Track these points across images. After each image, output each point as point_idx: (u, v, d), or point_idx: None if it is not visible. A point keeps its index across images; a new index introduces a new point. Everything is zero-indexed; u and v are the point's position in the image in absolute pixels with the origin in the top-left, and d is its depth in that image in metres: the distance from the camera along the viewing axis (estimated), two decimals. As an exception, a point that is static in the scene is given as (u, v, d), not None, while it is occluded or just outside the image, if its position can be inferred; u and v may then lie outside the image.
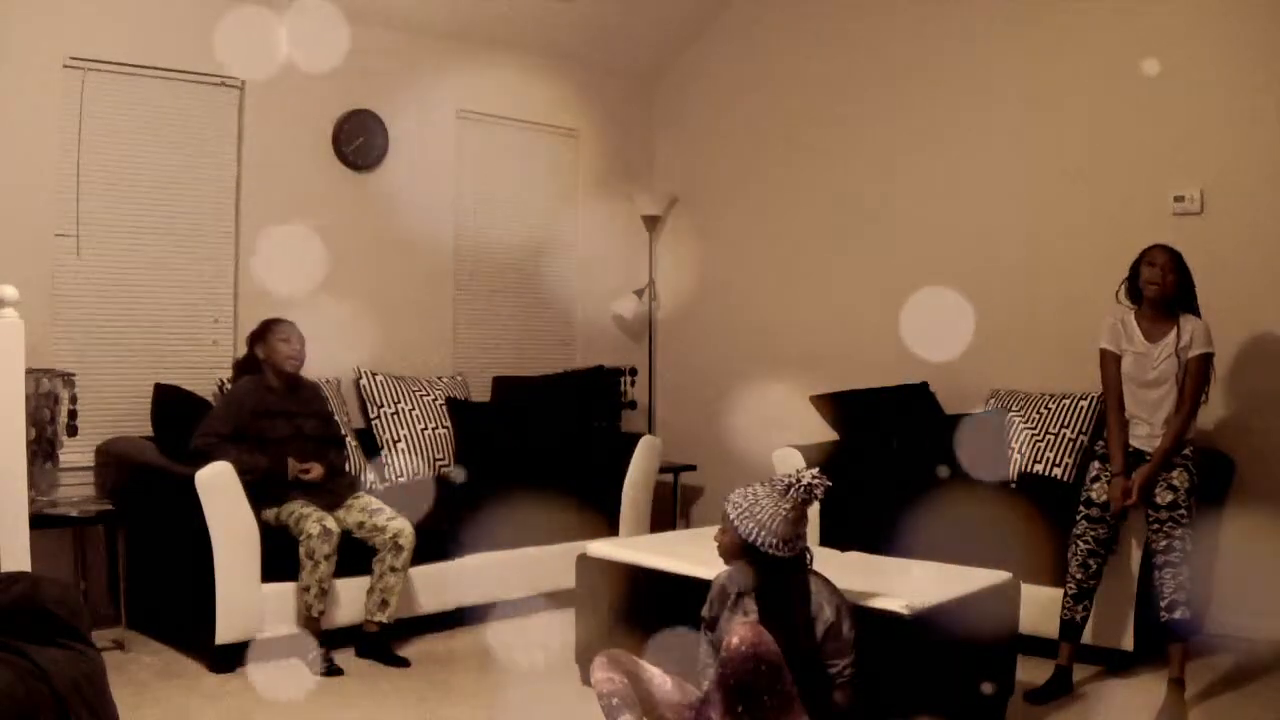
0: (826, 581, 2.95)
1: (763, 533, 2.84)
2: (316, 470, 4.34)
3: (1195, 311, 3.87)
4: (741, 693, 2.68)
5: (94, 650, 2.60)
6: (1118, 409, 3.92)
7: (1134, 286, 3.93)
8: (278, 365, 4.42)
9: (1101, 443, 4.04)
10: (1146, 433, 3.88)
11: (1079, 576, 3.94)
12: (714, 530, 3.03)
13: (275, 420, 4.36)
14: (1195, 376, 3.80)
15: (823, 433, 5.17)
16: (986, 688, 3.45)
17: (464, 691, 3.94)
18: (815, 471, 2.92)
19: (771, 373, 6.17)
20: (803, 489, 2.87)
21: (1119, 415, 3.92)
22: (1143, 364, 3.87)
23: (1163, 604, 3.78)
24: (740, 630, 2.72)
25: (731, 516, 2.90)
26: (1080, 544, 3.95)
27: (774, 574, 2.88)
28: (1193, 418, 3.83)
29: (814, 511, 4.83)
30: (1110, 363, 3.95)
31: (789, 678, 2.71)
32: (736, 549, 2.92)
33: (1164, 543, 3.78)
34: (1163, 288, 3.82)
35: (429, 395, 5.37)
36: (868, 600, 3.17)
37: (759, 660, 2.68)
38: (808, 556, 2.94)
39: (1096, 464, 3.99)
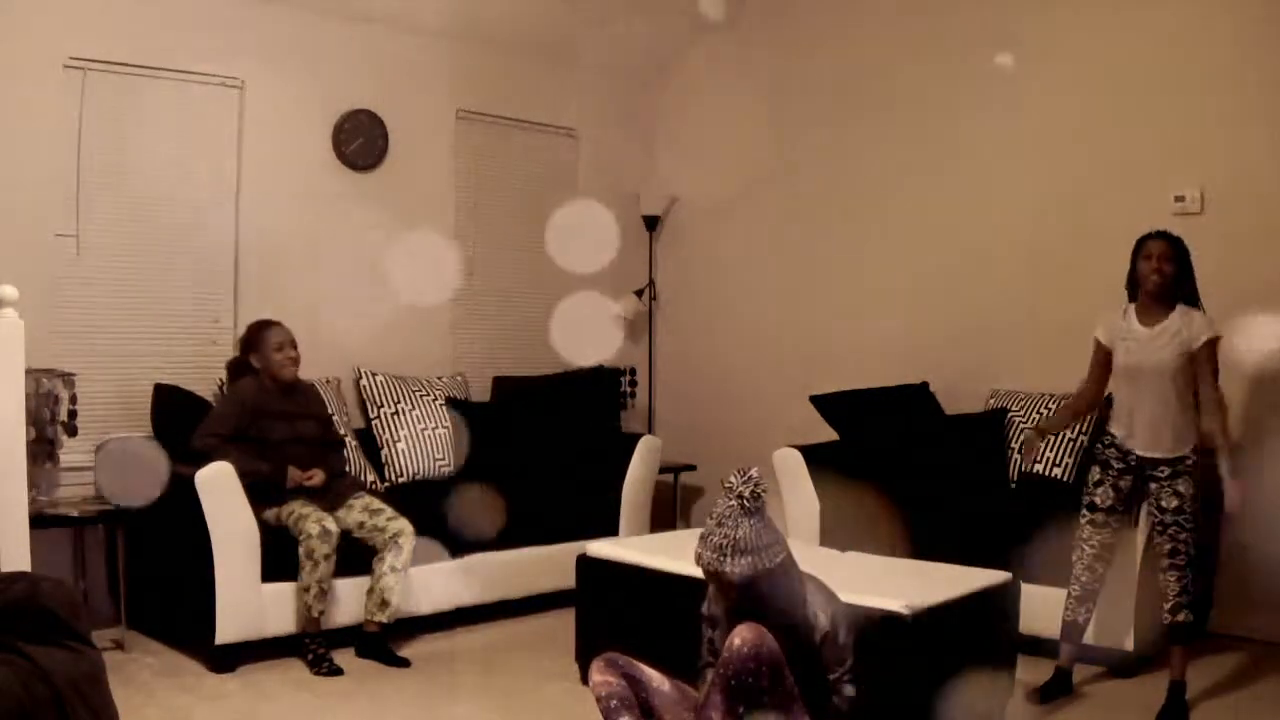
0: (821, 586, 2.92)
1: (765, 555, 2.77)
2: (319, 477, 4.34)
3: (1196, 302, 3.82)
4: (742, 693, 2.67)
5: (94, 650, 2.59)
6: (1085, 393, 4.06)
7: (1132, 280, 3.91)
8: (274, 374, 4.42)
9: (1100, 444, 4.03)
10: (1146, 438, 3.83)
11: (1084, 579, 3.93)
12: None
13: (275, 422, 4.36)
14: (1209, 362, 3.75)
15: (823, 433, 5.17)
16: None
17: (464, 691, 3.94)
18: (742, 475, 2.78)
19: (771, 373, 6.17)
20: (752, 498, 2.75)
21: (1080, 401, 4.12)
22: (1140, 351, 3.81)
23: (1166, 606, 3.78)
24: (741, 631, 2.71)
25: (739, 571, 2.69)
26: (1086, 547, 3.94)
27: (777, 579, 2.83)
28: (1221, 404, 3.82)
29: (814, 511, 4.86)
30: (1099, 352, 3.97)
31: (790, 678, 2.71)
32: (746, 583, 2.74)
33: (1169, 546, 3.78)
34: (1162, 278, 3.79)
35: (429, 395, 5.37)
36: (868, 600, 3.16)
37: (760, 661, 2.67)
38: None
39: (1098, 468, 3.98)
